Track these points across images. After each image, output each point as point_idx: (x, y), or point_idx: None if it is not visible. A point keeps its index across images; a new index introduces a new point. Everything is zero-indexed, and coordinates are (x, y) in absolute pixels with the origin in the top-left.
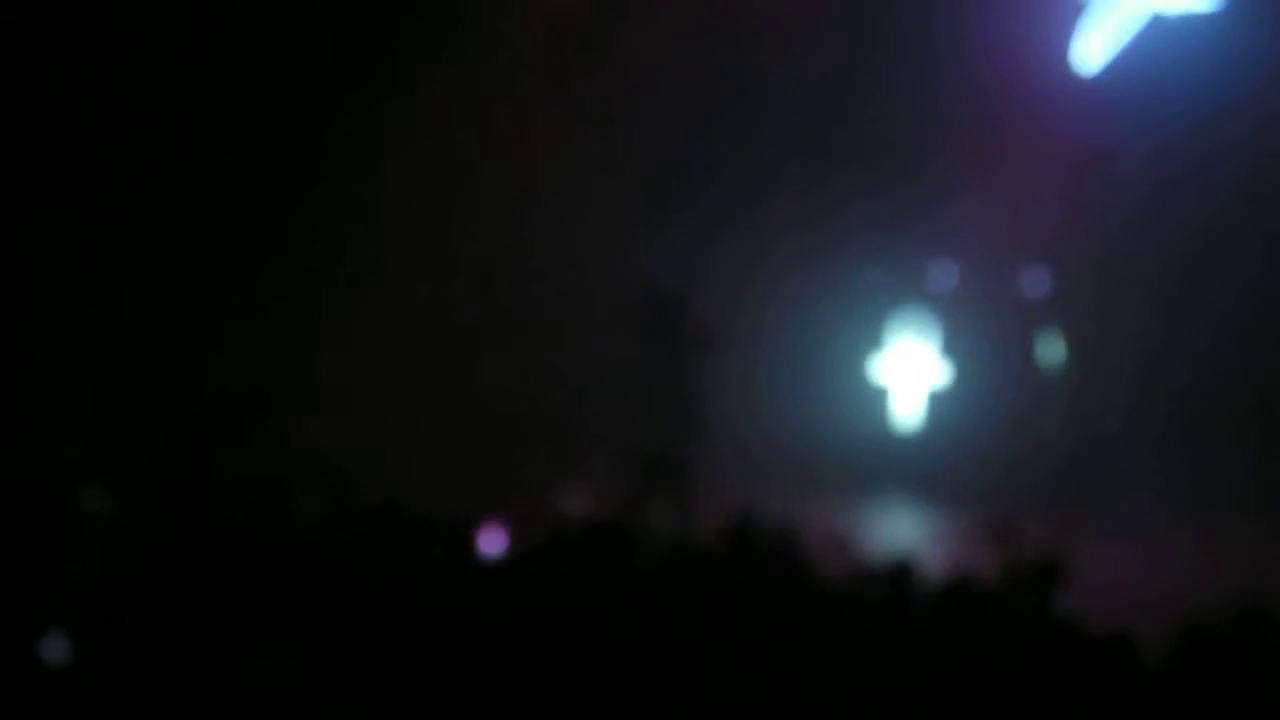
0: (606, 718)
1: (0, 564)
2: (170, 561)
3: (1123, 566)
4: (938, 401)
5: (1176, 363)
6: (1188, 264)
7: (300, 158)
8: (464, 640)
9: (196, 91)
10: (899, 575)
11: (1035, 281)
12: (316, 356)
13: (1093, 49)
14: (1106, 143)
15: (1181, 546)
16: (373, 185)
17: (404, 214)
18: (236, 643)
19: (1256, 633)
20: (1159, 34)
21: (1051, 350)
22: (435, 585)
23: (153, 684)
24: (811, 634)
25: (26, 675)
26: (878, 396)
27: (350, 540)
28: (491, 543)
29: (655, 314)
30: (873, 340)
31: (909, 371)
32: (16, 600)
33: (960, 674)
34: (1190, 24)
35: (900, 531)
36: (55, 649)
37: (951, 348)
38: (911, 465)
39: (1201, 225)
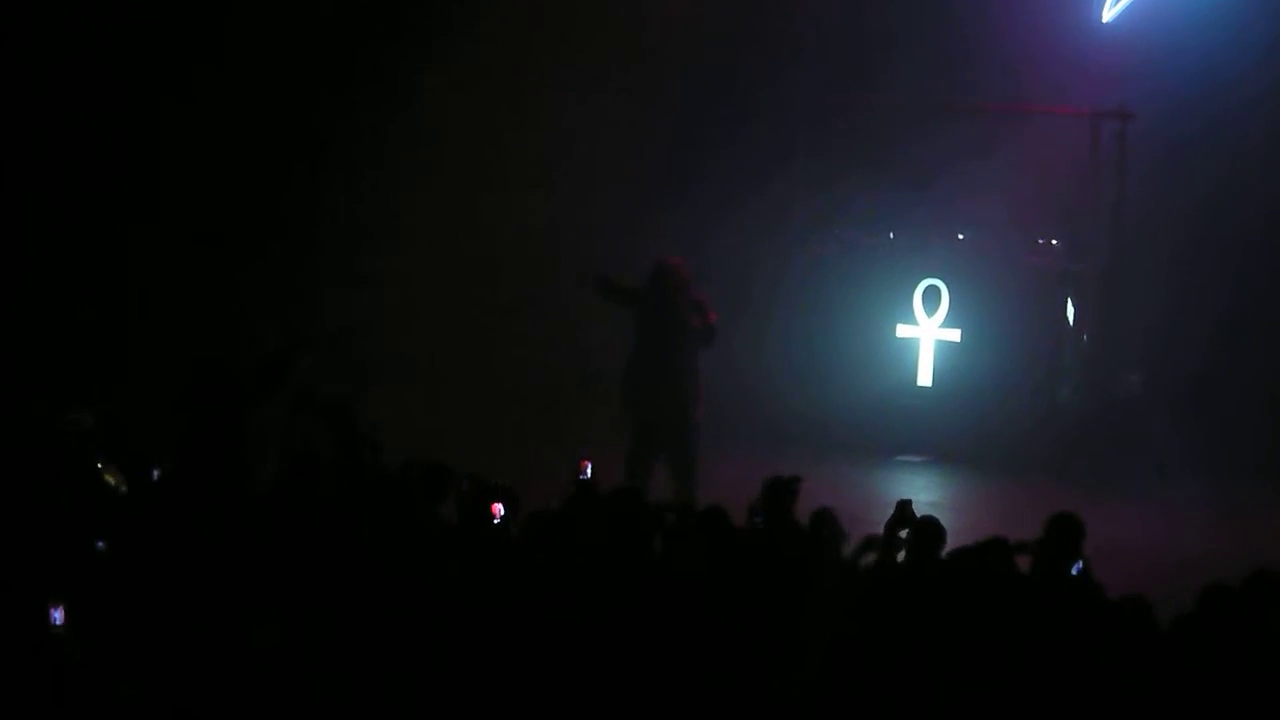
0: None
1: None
2: (193, 523)
3: (1137, 529)
4: (954, 368)
5: (1191, 328)
6: (1203, 227)
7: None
8: (481, 611)
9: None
10: (922, 538)
11: (1051, 245)
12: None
13: (1110, 5)
14: (1123, 101)
15: (1194, 510)
16: (387, 172)
17: (421, 195)
18: (250, 607)
19: (1266, 596)
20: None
21: (1067, 315)
22: (450, 554)
23: (164, 644)
24: (836, 598)
25: (44, 635)
26: (896, 364)
27: (371, 504)
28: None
29: (659, 286)
30: (889, 306)
31: (925, 337)
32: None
33: (982, 634)
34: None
35: (920, 496)
36: (67, 612)
37: (968, 313)
38: (929, 430)
39: (1217, 187)
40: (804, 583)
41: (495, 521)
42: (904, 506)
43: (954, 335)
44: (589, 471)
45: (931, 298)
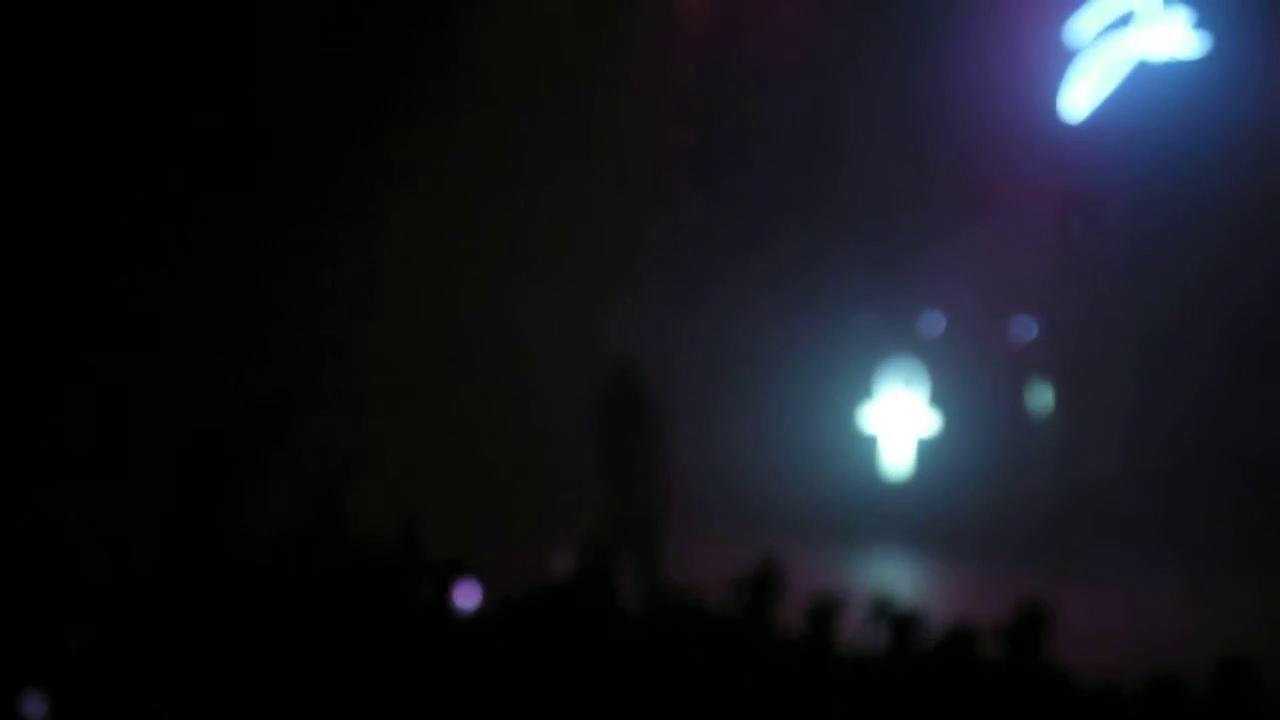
0: None
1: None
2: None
3: (1108, 615)
4: (927, 451)
5: (1162, 414)
6: (1174, 314)
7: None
8: (447, 689)
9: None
10: (899, 627)
11: (1023, 331)
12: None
13: (1079, 97)
14: (1093, 191)
15: (1166, 596)
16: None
17: (395, 282)
18: (219, 690)
19: (1234, 682)
20: (1145, 82)
21: (1040, 400)
22: (418, 634)
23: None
24: (814, 687)
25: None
26: (867, 446)
27: (340, 582)
28: (468, 596)
29: (619, 382)
30: (861, 390)
31: (898, 421)
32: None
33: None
34: (1175, 72)
35: (893, 582)
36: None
37: (940, 397)
38: (901, 516)
39: (1187, 275)
40: (799, 677)
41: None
42: (882, 603)
43: (927, 419)
44: (564, 564)
45: (904, 380)
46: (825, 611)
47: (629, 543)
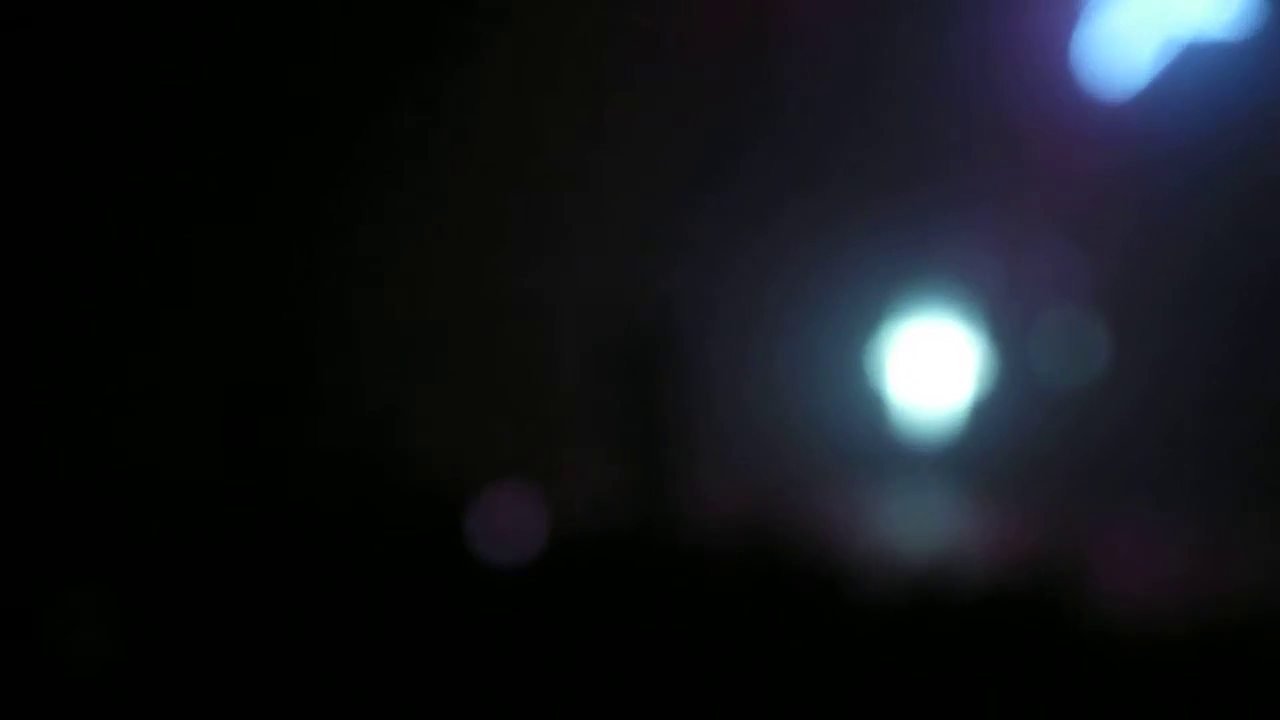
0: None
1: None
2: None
3: (1139, 564)
4: (956, 400)
5: (1196, 357)
6: (1203, 266)
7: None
8: (476, 636)
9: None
10: (926, 570)
11: (1061, 272)
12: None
13: (1119, 69)
14: (1131, 163)
15: (1198, 546)
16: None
17: (419, 229)
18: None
19: (1265, 634)
20: (1186, 56)
21: (1071, 349)
22: (447, 577)
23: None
24: (834, 630)
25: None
26: (907, 384)
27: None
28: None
29: (645, 327)
30: (894, 338)
31: (928, 368)
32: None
33: (986, 670)
34: (1218, 45)
35: (919, 526)
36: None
37: (971, 346)
38: (930, 462)
39: (1216, 228)
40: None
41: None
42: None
43: (967, 360)
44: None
45: (943, 323)
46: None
47: (656, 488)
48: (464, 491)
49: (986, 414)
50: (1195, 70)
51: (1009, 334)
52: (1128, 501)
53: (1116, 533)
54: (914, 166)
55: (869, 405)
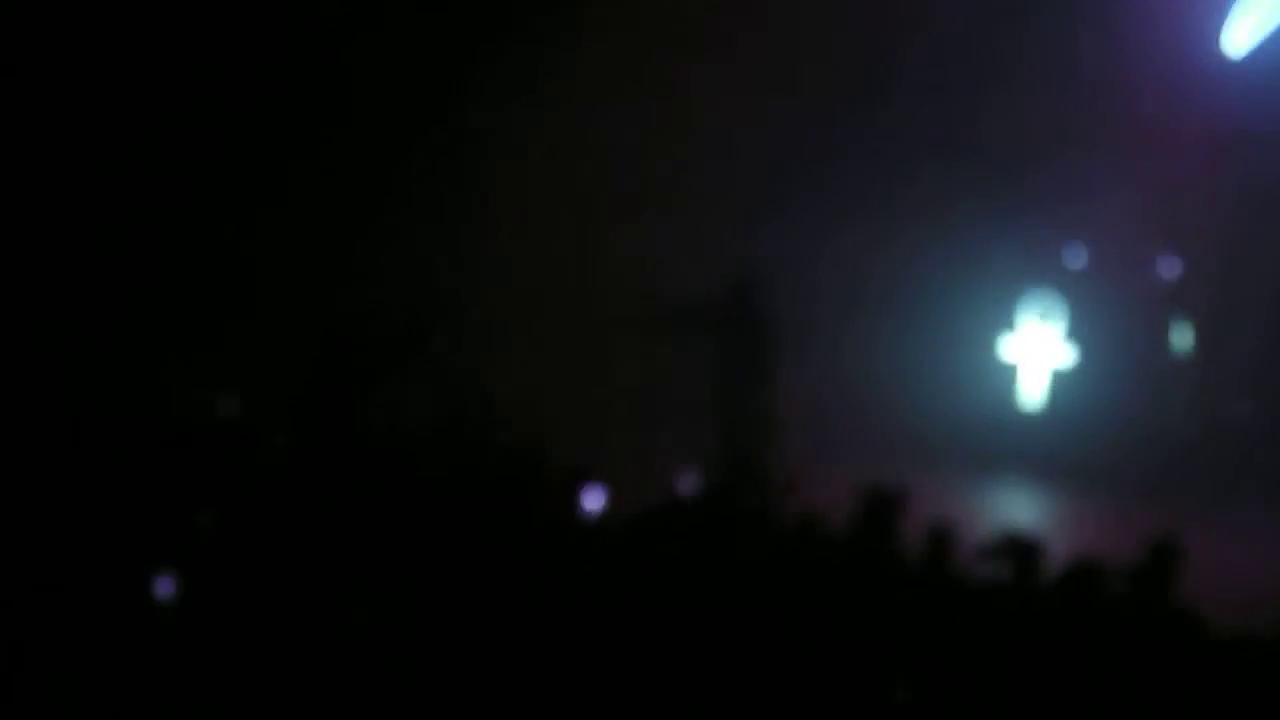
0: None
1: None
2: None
3: (1238, 558)
4: (1062, 384)
5: None
6: None
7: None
8: (573, 604)
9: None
10: (1024, 557)
11: (1163, 269)
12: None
13: (1239, 31)
14: (1244, 130)
15: None
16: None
17: (517, 202)
18: (342, 587)
19: None
20: None
21: (1177, 338)
22: (547, 544)
23: (260, 619)
24: (934, 614)
25: (140, 604)
26: (1003, 378)
27: (472, 489)
28: (594, 501)
29: (736, 295)
30: (1001, 322)
31: (1035, 353)
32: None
33: (1078, 660)
34: None
35: (1022, 514)
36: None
37: (1078, 331)
38: (1035, 447)
39: None
40: (908, 603)
41: (587, 513)
42: (1006, 534)
43: (1064, 355)
44: (689, 481)
45: (1045, 316)
46: (943, 538)
47: (745, 459)
48: (561, 462)
49: (1094, 396)
50: None
51: (1119, 315)
52: (1235, 490)
53: (1234, 530)
54: (1033, 138)
55: (970, 396)
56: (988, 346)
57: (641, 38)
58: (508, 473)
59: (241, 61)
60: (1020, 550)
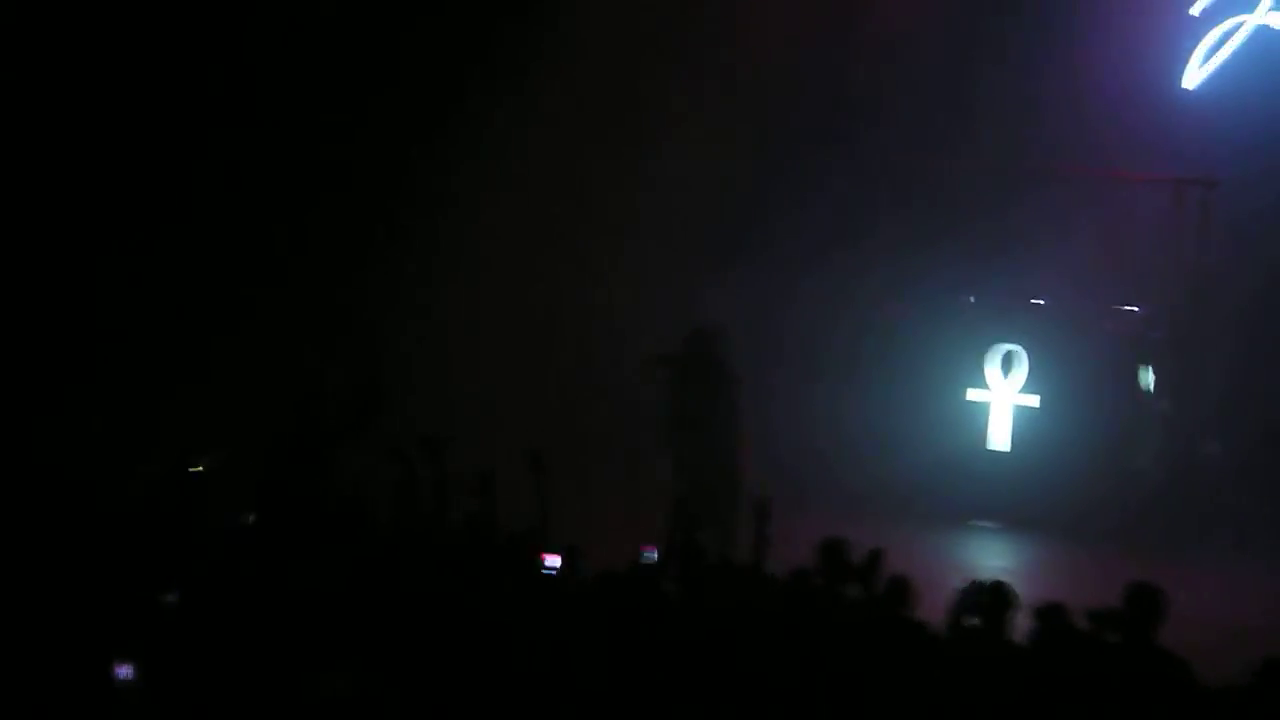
0: None
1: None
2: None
3: (1210, 598)
4: (1029, 430)
5: (1266, 394)
6: (1279, 294)
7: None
8: (539, 666)
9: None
10: (993, 604)
11: (1129, 312)
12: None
13: (1194, 69)
14: (1206, 168)
15: (1269, 579)
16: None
17: (482, 256)
18: (313, 655)
19: None
20: (1260, 54)
21: (1144, 382)
22: (513, 607)
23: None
24: (901, 663)
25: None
26: (971, 425)
27: (437, 556)
28: (553, 562)
29: (694, 348)
30: (965, 373)
31: (1001, 399)
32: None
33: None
34: None
35: (991, 560)
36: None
37: (1043, 376)
38: (1003, 494)
39: None
40: (883, 650)
41: (546, 570)
42: (978, 587)
43: (1031, 400)
44: (654, 556)
45: (1009, 362)
46: (903, 590)
47: (704, 515)
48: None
49: (1063, 441)
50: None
51: (1087, 360)
52: (1205, 532)
53: (1206, 574)
54: (991, 187)
55: (938, 444)
56: (954, 393)
57: (604, 87)
58: (467, 539)
59: (202, 122)
60: (994, 600)
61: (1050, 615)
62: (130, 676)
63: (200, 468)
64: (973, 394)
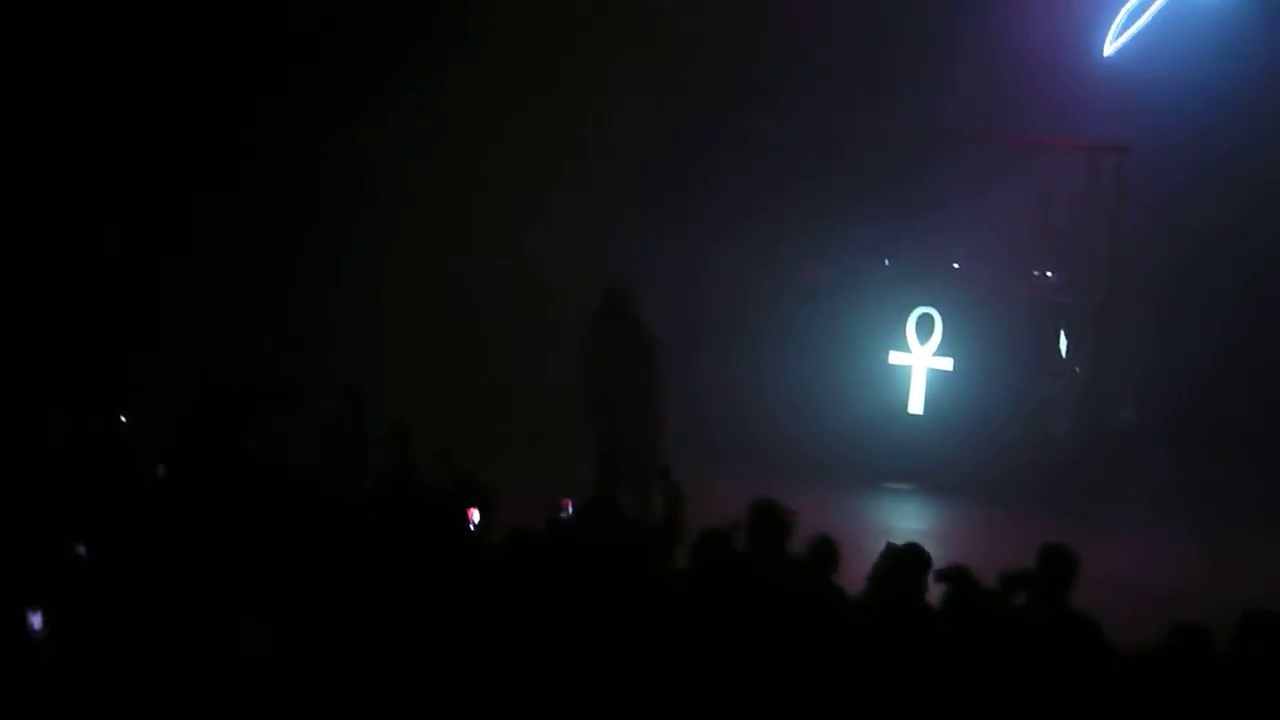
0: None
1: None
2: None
3: (1123, 563)
4: (947, 394)
5: (1182, 362)
6: (1198, 262)
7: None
8: (462, 621)
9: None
10: (909, 567)
11: (1046, 278)
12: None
13: (1112, 37)
14: (1125, 134)
15: (1182, 545)
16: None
17: (409, 220)
18: (229, 609)
19: (1252, 635)
20: (1181, 22)
21: (1061, 345)
22: (440, 562)
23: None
24: (819, 626)
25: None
26: (888, 387)
27: (363, 511)
28: (472, 519)
29: (608, 311)
30: (881, 335)
31: (919, 362)
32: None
33: (969, 668)
34: (1212, 12)
35: (905, 522)
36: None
37: (960, 339)
38: (920, 459)
39: (1213, 222)
40: (804, 615)
41: (470, 527)
42: (894, 548)
43: (946, 364)
44: (570, 510)
45: (925, 326)
46: (827, 551)
47: (621, 475)
48: (456, 485)
49: (980, 407)
50: (1194, 34)
51: (1001, 317)
52: (1121, 497)
53: (1119, 540)
54: (910, 149)
55: (855, 406)
56: (872, 356)
57: (524, 47)
58: (385, 493)
59: (153, 113)
60: (910, 562)
61: (959, 577)
62: (40, 626)
63: (122, 419)
64: (895, 357)
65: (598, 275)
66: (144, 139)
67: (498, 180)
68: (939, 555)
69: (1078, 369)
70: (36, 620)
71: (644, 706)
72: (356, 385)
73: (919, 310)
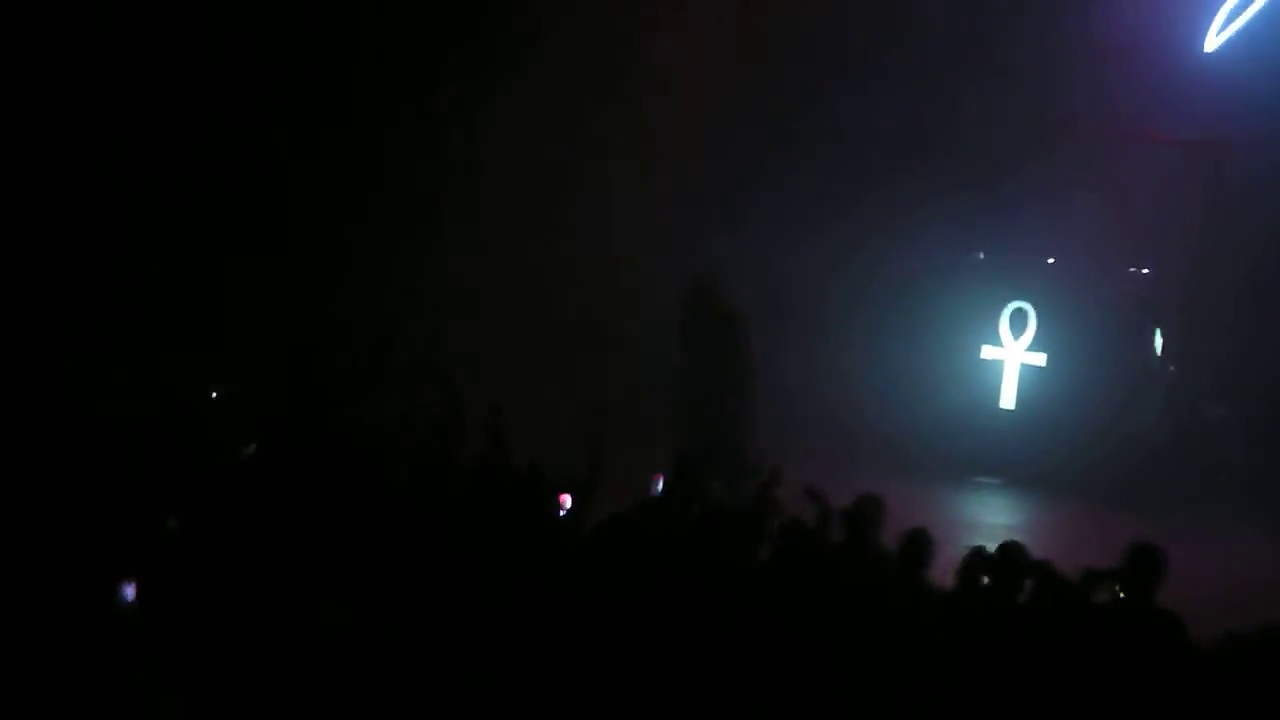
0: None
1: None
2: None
3: (1209, 560)
4: (1036, 390)
5: (1270, 355)
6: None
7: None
8: (555, 603)
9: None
10: (999, 563)
11: (1139, 274)
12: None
13: (1214, 34)
14: (1217, 132)
15: (1263, 546)
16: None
17: (495, 211)
18: (314, 586)
19: None
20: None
21: (1150, 341)
22: (523, 545)
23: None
24: (908, 620)
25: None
26: (977, 383)
27: (449, 495)
28: (563, 504)
29: (697, 295)
30: (974, 330)
31: (1009, 358)
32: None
33: (1063, 667)
34: None
35: (997, 520)
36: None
37: (1051, 336)
38: (1007, 454)
39: None
40: (886, 608)
41: (562, 513)
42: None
43: (1039, 359)
44: (660, 486)
45: (1018, 321)
46: (920, 546)
47: (711, 461)
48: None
49: (1068, 403)
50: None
51: (1093, 322)
52: (1205, 494)
53: (1206, 536)
54: (1005, 144)
55: (943, 402)
56: (961, 352)
57: (605, 47)
58: (476, 477)
59: (217, 89)
60: (1001, 561)
61: (1045, 574)
62: (130, 598)
63: (213, 395)
64: (988, 351)
65: (685, 271)
66: (253, 123)
67: (584, 180)
68: (1030, 551)
69: (1172, 367)
70: (130, 592)
71: (716, 688)
72: (449, 372)
73: (1013, 305)
